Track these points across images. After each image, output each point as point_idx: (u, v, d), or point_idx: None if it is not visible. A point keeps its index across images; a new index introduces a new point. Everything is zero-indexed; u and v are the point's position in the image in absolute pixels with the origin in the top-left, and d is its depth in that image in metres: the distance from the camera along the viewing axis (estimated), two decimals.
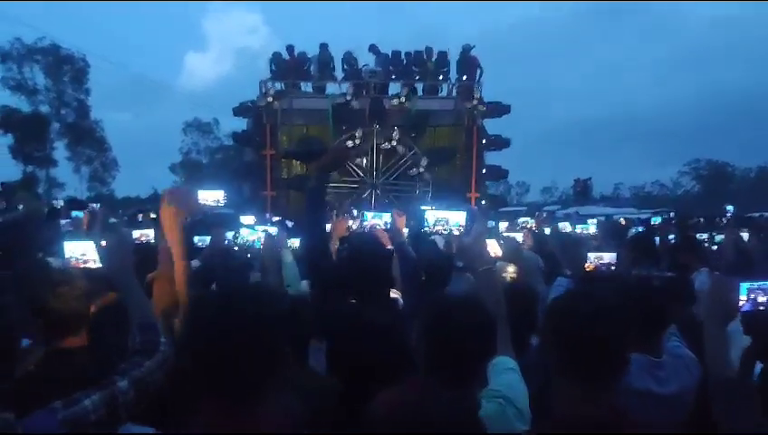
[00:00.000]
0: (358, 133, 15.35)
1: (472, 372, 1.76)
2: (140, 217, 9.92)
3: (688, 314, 3.01)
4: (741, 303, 1.93)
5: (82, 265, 2.70)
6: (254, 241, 4.07)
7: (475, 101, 15.84)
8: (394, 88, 16.45)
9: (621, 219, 13.03)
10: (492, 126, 16.88)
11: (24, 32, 39.17)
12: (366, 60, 16.64)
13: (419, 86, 16.61)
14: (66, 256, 2.77)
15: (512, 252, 3.44)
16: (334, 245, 4.24)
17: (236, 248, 4.33)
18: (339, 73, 16.67)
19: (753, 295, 1.96)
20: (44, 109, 37.97)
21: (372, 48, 16.59)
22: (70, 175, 40.31)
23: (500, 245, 3.59)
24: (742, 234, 6.01)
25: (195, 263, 4.11)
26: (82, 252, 2.72)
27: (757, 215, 16.90)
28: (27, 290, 2.38)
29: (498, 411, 1.74)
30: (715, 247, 6.60)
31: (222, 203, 3.22)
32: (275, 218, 9.83)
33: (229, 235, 4.47)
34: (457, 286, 3.45)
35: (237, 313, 1.34)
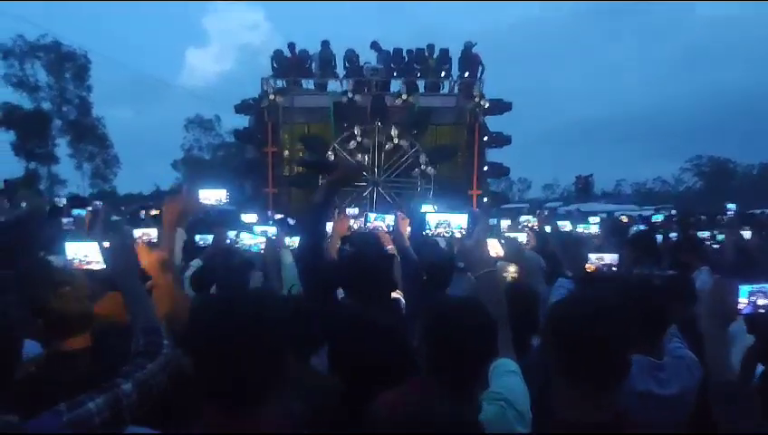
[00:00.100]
0: (356, 131, 15.33)
1: (473, 374, 1.77)
2: (143, 214, 9.93)
3: (689, 313, 3.01)
4: (741, 305, 1.94)
5: (85, 267, 2.70)
6: (253, 246, 4.07)
7: (476, 99, 15.82)
8: (395, 85, 16.43)
9: (623, 217, 12.98)
10: (493, 123, 16.89)
11: (26, 29, 39.12)
12: (367, 57, 16.63)
13: (421, 83, 16.59)
14: (69, 257, 2.76)
15: (513, 252, 3.45)
16: (336, 244, 4.25)
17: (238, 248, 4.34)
18: (340, 71, 16.65)
19: (753, 298, 1.96)
20: (46, 106, 37.99)
21: (374, 45, 16.57)
22: (72, 172, 40.38)
23: (501, 244, 3.59)
24: (743, 232, 5.99)
25: (196, 262, 4.12)
26: (85, 253, 2.71)
27: (759, 212, 16.86)
28: (29, 290, 2.39)
29: (499, 414, 1.75)
30: (716, 246, 6.59)
31: (224, 202, 3.22)
32: (277, 216, 9.83)
33: (231, 234, 4.48)
34: (459, 287, 3.46)
35: (239, 316, 1.34)
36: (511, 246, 3.50)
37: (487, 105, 16.06)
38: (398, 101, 15.59)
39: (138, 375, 1.64)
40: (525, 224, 6.56)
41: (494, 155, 17.20)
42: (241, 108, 17.05)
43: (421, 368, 1.85)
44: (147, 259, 2.49)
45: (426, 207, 6.60)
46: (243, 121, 18.11)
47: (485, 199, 16.28)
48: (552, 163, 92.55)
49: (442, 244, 4.45)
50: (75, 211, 7.49)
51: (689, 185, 60.45)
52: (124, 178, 43.98)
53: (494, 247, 3.44)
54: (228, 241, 4.42)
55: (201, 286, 3.44)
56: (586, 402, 1.53)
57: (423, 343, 1.81)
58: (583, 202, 31.55)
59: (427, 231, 3.32)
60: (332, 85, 16.52)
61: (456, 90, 16.72)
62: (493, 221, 8.07)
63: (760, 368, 2.09)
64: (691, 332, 2.48)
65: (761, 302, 1.97)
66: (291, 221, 9.06)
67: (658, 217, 12.18)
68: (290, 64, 16.41)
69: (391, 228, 3.94)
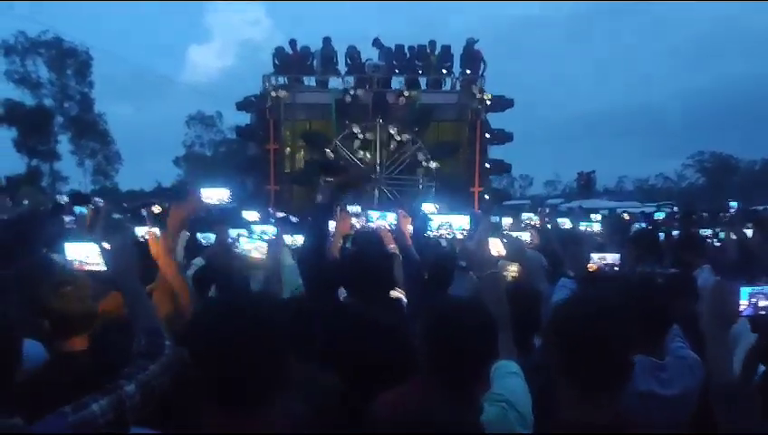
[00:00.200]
0: (355, 129, 15.33)
1: (473, 374, 1.77)
2: (144, 211, 9.92)
3: (691, 310, 3.01)
4: (742, 307, 1.94)
5: (85, 268, 2.70)
6: (252, 250, 4.06)
7: (478, 95, 15.81)
8: (397, 82, 16.41)
9: (625, 214, 12.96)
10: (495, 120, 16.88)
11: (27, 25, 39.08)
12: (369, 54, 16.61)
13: (423, 80, 16.57)
14: (68, 257, 2.76)
15: (515, 251, 3.45)
16: (338, 243, 4.25)
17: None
18: (342, 68, 16.62)
19: (754, 300, 1.96)
20: (48, 102, 38.03)
21: (376, 42, 16.55)
22: (73, 168, 40.42)
23: (504, 244, 3.59)
24: (745, 230, 5.97)
25: (199, 260, 4.13)
26: (86, 254, 2.71)
27: (762, 208, 16.84)
28: (30, 289, 2.40)
29: (500, 415, 1.75)
30: (718, 244, 6.58)
31: (227, 201, 3.22)
32: (279, 214, 9.83)
33: (233, 232, 4.48)
34: (461, 286, 3.46)
35: (240, 318, 1.35)
36: (513, 245, 3.51)
37: (489, 102, 16.04)
38: (402, 100, 15.55)
39: (140, 377, 1.65)
40: (527, 222, 6.54)
41: (495, 152, 17.20)
42: (242, 105, 17.04)
43: (422, 367, 1.85)
44: (155, 247, 2.50)
45: (427, 206, 6.60)
46: (244, 118, 18.15)
47: (487, 196, 16.27)
48: (553, 159, 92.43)
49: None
50: (77, 209, 7.49)
51: (692, 181, 60.37)
52: (125, 175, 44.06)
53: (496, 246, 3.44)
54: (230, 240, 4.43)
55: (203, 285, 3.45)
56: (587, 403, 1.53)
57: (423, 343, 1.82)
58: (585, 199, 31.47)
59: (430, 232, 3.32)
60: (334, 82, 16.51)
61: (457, 86, 16.69)
62: (495, 219, 8.07)
63: (761, 368, 2.09)
64: (693, 332, 2.48)
65: (761, 303, 1.97)
66: (293, 219, 9.06)
67: (660, 215, 12.15)
68: (291, 61, 16.39)
69: (393, 227, 3.94)
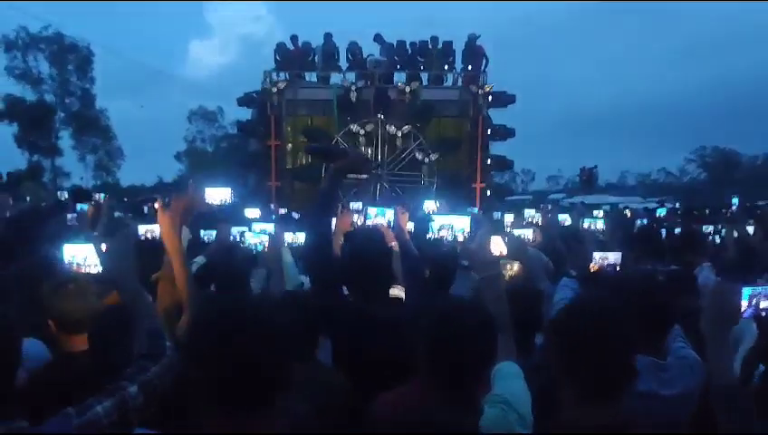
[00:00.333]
0: (354, 128, 15.30)
1: (473, 376, 1.78)
2: (146, 208, 9.91)
3: (692, 308, 3.00)
4: (743, 308, 1.94)
5: (83, 270, 2.70)
6: (258, 244, 4.08)
7: (480, 91, 15.78)
8: (399, 78, 16.38)
9: (626, 211, 12.95)
10: (497, 116, 16.86)
11: (28, 21, 38.98)
12: (371, 50, 16.59)
13: (424, 76, 16.54)
14: (66, 259, 2.76)
15: (516, 250, 3.44)
16: (339, 240, 4.25)
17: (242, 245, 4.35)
18: (343, 63, 16.61)
19: (755, 300, 1.96)
20: (49, 98, 37.92)
21: (377, 38, 16.53)
22: (75, 164, 40.35)
23: (505, 242, 3.59)
24: (747, 227, 5.95)
25: (200, 258, 4.13)
26: (83, 256, 2.71)
27: (763, 203, 16.82)
28: (32, 288, 2.40)
29: (500, 416, 1.76)
30: (719, 240, 6.57)
31: (229, 201, 3.23)
32: (281, 211, 9.82)
33: (235, 230, 4.48)
34: (462, 285, 3.46)
35: (241, 320, 1.35)
36: (514, 243, 3.50)
37: (491, 97, 16.02)
38: (403, 96, 15.52)
39: (142, 378, 1.66)
40: (530, 220, 6.54)
41: (497, 147, 17.19)
42: (244, 101, 17.04)
43: (422, 368, 1.86)
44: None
45: (428, 203, 6.60)
46: (246, 114, 18.13)
47: (489, 193, 16.26)
48: (555, 154, 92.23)
49: None
50: (79, 206, 7.46)
51: (694, 176, 60.23)
52: (127, 170, 43.96)
53: (498, 245, 3.44)
54: (232, 238, 4.43)
55: (203, 283, 3.45)
56: (588, 403, 1.54)
57: (423, 344, 1.82)
58: (587, 194, 31.43)
59: (431, 234, 3.32)
60: (335, 78, 16.49)
61: (459, 82, 16.67)
62: (497, 215, 8.07)
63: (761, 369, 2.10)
64: (693, 330, 2.48)
65: (762, 304, 1.97)
66: (295, 215, 9.05)
67: (662, 212, 12.12)
68: (292, 57, 16.40)
69: (392, 224, 3.94)
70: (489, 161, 16.56)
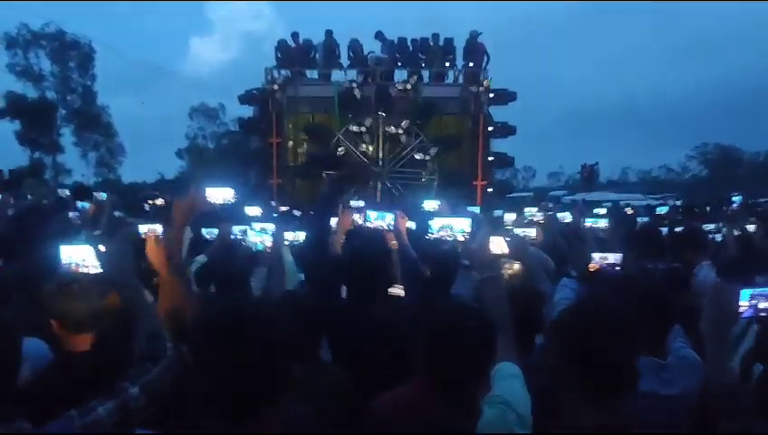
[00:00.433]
0: (356, 129, 15.29)
1: (472, 377, 1.79)
2: (147, 205, 9.91)
3: (689, 307, 3.00)
4: (742, 309, 1.94)
5: (81, 271, 2.70)
6: (259, 243, 4.08)
7: (481, 88, 15.75)
8: (400, 75, 16.36)
9: (628, 208, 12.93)
10: (498, 113, 16.82)
11: (29, 18, 38.94)
12: (372, 47, 16.57)
13: (425, 73, 16.51)
14: (64, 260, 2.76)
15: (517, 250, 3.44)
16: (340, 239, 4.25)
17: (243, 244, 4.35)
18: (344, 61, 16.59)
19: (754, 301, 1.96)
20: (50, 95, 37.95)
21: (378, 35, 16.50)
22: (77, 161, 40.39)
23: (506, 241, 3.59)
24: (748, 225, 5.94)
25: (201, 257, 4.13)
26: (82, 257, 2.70)
27: (764, 200, 16.78)
28: (33, 287, 2.40)
29: (499, 417, 1.76)
30: (720, 238, 6.55)
31: (231, 201, 3.23)
32: (282, 209, 9.81)
33: (236, 229, 4.48)
34: (464, 285, 3.46)
35: (241, 322, 1.36)
36: (515, 243, 3.50)
37: (492, 94, 15.99)
38: (407, 94, 15.49)
39: (143, 379, 1.67)
40: (531, 218, 6.53)
41: (498, 144, 17.15)
42: (245, 99, 17.02)
43: (422, 368, 1.87)
44: (153, 253, 2.50)
45: (429, 202, 6.60)
46: (247, 111, 18.10)
47: (490, 190, 16.24)
48: (557, 151, 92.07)
49: None
50: (80, 204, 7.46)
51: (695, 173, 60.09)
52: (128, 167, 43.97)
53: (499, 244, 3.44)
54: (233, 236, 4.43)
55: (204, 282, 3.45)
56: (589, 405, 1.54)
57: (423, 345, 1.83)
58: (589, 191, 31.37)
59: (431, 235, 3.32)
60: (337, 75, 16.47)
61: (460, 79, 16.64)
62: (498, 213, 8.06)
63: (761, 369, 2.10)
64: (692, 329, 2.49)
65: (762, 305, 1.97)
66: (296, 213, 9.05)
67: (663, 210, 12.10)
68: (294, 54, 16.37)
69: (391, 227, 3.96)
70: (490, 158, 16.52)
